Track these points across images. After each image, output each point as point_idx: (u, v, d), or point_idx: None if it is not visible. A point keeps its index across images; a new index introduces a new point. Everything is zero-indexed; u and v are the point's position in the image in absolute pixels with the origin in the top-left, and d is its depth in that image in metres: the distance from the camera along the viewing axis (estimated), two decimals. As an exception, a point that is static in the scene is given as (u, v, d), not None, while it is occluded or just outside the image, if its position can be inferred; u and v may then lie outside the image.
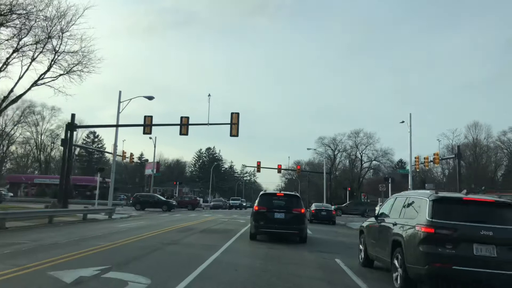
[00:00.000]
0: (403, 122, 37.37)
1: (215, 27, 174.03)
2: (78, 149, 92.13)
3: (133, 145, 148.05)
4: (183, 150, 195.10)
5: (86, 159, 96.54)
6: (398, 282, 7.84)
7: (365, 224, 11.20)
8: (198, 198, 55.86)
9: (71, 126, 28.70)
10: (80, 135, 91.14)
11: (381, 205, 10.85)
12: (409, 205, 8.45)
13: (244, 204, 78.34)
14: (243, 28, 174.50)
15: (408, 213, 8.24)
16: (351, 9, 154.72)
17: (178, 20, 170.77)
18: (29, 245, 11.90)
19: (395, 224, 8.43)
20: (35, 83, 26.94)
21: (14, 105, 72.53)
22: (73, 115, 29.10)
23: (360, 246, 11.11)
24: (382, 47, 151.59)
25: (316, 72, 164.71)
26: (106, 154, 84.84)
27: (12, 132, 77.08)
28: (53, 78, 27.41)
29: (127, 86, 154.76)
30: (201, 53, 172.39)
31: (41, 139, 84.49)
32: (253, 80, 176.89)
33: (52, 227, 18.94)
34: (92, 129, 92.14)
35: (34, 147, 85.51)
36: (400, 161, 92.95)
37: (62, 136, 32.38)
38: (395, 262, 8.03)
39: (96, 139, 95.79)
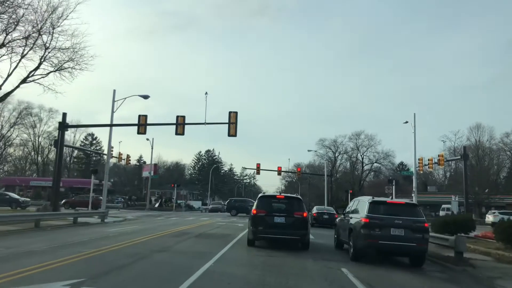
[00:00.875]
0: (406, 122, 36.25)
1: (215, 28, 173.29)
2: (76, 151, 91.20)
3: (132, 147, 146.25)
4: (182, 153, 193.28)
5: (85, 162, 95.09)
6: (351, 253, 12.25)
7: (337, 219, 16.66)
8: (100, 198, 52.65)
9: (63, 125, 27.61)
10: (78, 137, 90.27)
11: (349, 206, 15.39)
12: (359, 205, 13.09)
13: None
14: (243, 30, 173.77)
15: (359, 210, 12.85)
16: (352, 11, 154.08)
17: (178, 22, 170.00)
18: (0, 253, 10.73)
19: (351, 218, 13.05)
20: (24, 81, 25.80)
21: (10, 107, 71.81)
22: (64, 114, 28.02)
23: (335, 234, 15.95)
24: (383, 48, 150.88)
25: (316, 73, 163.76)
26: (105, 157, 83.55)
27: (9, 134, 75.81)
28: (42, 76, 26.33)
29: (128, 89, 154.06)
30: (201, 55, 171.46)
31: (38, 141, 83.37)
32: (253, 82, 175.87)
33: (37, 232, 17.91)
34: (90, 131, 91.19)
35: (32, 150, 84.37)
36: (401, 163, 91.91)
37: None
38: (350, 241, 12.47)
39: (94, 141, 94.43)
